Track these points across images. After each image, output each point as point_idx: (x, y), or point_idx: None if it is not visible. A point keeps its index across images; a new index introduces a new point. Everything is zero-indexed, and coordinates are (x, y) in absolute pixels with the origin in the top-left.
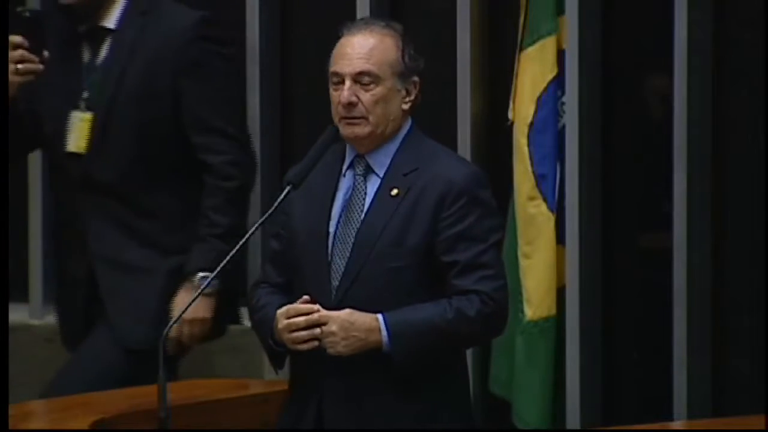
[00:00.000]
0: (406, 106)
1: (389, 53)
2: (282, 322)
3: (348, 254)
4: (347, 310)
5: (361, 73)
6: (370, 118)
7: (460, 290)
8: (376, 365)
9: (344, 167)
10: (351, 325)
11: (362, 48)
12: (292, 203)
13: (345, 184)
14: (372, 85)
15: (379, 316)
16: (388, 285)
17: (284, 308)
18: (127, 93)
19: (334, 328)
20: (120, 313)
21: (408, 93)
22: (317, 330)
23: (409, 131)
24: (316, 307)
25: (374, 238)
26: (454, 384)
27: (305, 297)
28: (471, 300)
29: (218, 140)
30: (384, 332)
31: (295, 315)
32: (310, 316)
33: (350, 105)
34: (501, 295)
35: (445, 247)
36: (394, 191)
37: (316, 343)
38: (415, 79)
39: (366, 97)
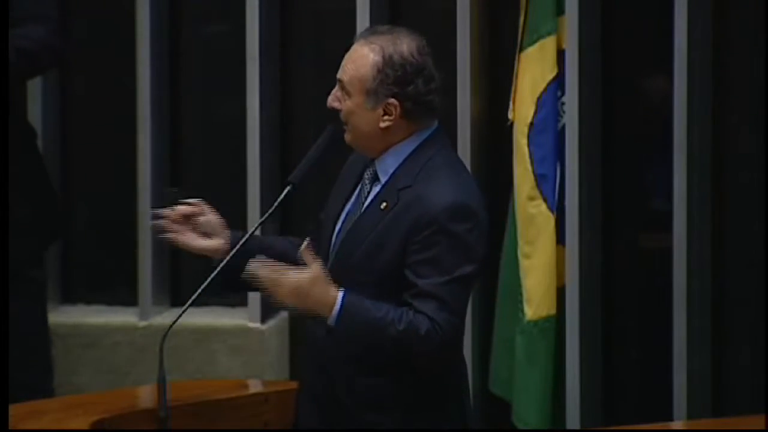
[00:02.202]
0: (384, 125)
1: (363, 69)
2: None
3: (334, 257)
4: (310, 275)
5: (339, 81)
6: (349, 126)
7: (415, 309)
8: (345, 378)
9: (365, 168)
10: (306, 295)
11: (347, 57)
12: (335, 187)
13: (360, 185)
14: (345, 96)
15: (339, 295)
16: None
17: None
18: None
19: (286, 289)
20: None
21: (387, 112)
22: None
23: (422, 143)
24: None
25: (354, 248)
26: (432, 398)
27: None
28: (423, 322)
29: (32, 25)
30: (336, 309)
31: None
32: (257, 262)
33: (334, 109)
34: (450, 329)
35: (410, 270)
36: (383, 205)
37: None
38: (392, 101)
39: (343, 105)
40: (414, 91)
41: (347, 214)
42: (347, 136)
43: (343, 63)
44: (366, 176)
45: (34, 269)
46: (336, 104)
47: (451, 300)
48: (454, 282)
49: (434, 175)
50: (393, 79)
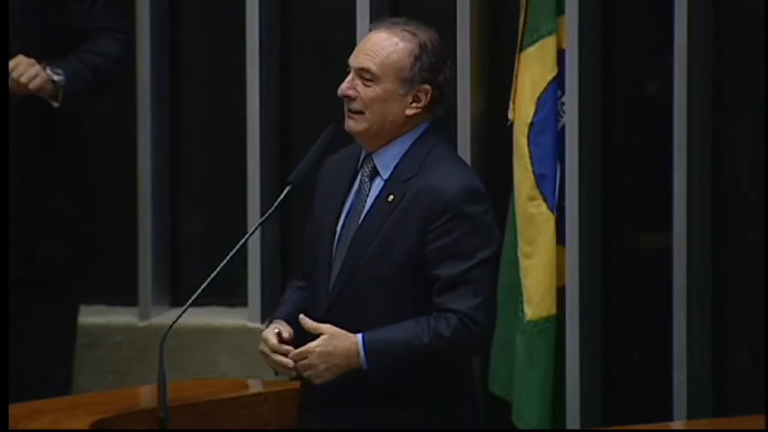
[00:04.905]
0: (410, 112)
1: (398, 57)
2: (261, 348)
3: (343, 257)
4: (325, 337)
5: (362, 69)
6: (367, 114)
7: (439, 308)
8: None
9: (359, 166)
10: (329, 354)
11: (373, 46)
12: (317, 197)
13: (356, 183)
14: (371, 83)
15: (358, 338)
16: (375, 293)
17: (265, 333)
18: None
19: (314, 360)
20: None
21: (416, 99)
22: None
23: (421, 135)
24: (291, 352)
25: (366, 244)
26: (447, 392)
27: (301, 316)
28: (448, 319)
29: (105, 40)
30: (362, 354)
31: (272, 348)
32: (290, 358)
33: (347, 97)
34: (479, 313)
35: (431, 260)
36: (391, 197)
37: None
38: (426, 87)
39: (364, 91)
40: (443, 79)
41: (347, 215)
42: (359, 125)
43: (364, 51)
44: (364, 173)
45: (69, 281)
46: (351, 92)
47: (475, 286)
48: (476, 267)
49: (439, 164)
50: (428, 65)
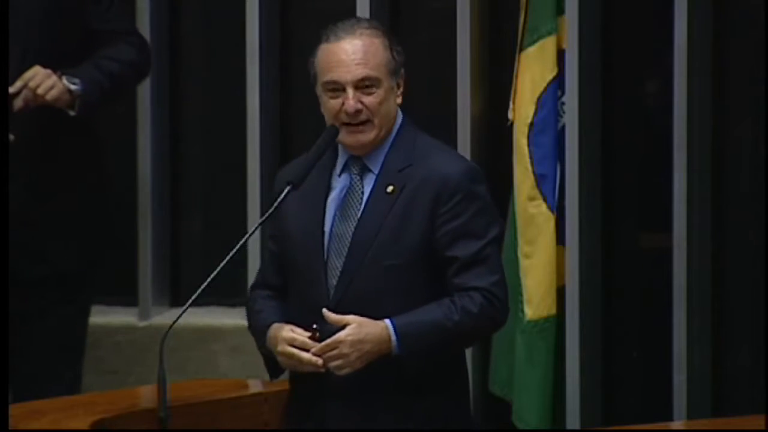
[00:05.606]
0: (399, 100)
1: (382, 54)
2: (286, 349)
3: (345, 252)
4: (353, 326)
5: (362, 79)
6: (375, 121)
7: (460, 288)
8: (380, 365)
9: (338, 168)
10: (361, 342)
11: (356, 54)
12: (285, 204)
13: (340, 184)
14: (373, 89)
15: (388, 323)
16: (385, 283)
17: (289, 334)
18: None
19: (346, 350)
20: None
21: (398, 87)
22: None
23: (401, 126)
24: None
25: (371, 235)
26: (455, 381)
27: (314, 326)
28: (473, 297)
29: (121, 45)
30: (394, 338)
31: (302, 346)
32: (313, 353)
33: (357, 112)
34: (499, 288)
35: (445, 243)
36: (390, 188)
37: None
38: (402, 71)
39: (369, 100)
40: (405, 59)
41: (335, 215)
42: (369, 135)
43: (353, 62)
44: (353, 171)
45: (82, 282)
46: (359, 106)
47: (491, 262)
48: (489, 245)
49: (431, 151)
50: (398, 51)
